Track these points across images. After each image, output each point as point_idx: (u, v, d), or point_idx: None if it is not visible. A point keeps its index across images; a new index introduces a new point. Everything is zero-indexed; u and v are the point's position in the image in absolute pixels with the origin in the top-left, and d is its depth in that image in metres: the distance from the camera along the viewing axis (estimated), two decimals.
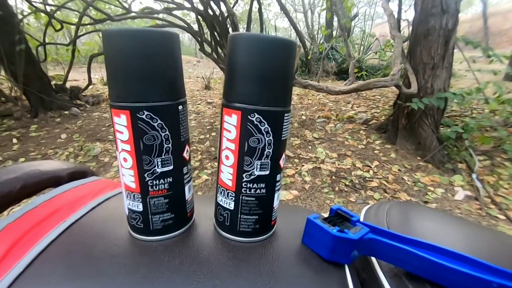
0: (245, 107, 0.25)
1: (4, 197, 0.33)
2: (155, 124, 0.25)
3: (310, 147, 2.13)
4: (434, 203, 1.51)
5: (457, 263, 0.24)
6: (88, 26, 3.33)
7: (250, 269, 0.25)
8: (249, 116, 0.25)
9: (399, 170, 1.82)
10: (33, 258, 0.26)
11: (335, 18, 4.45)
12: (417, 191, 1.62)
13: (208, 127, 2.55)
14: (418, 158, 1.95)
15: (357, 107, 3.13)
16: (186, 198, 0.30)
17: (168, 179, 0.28)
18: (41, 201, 0.35)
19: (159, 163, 0.27)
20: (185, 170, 0.29)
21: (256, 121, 0.25)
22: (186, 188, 0.30)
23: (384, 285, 0.26)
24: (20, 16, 2.82)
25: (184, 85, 0.28)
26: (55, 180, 0.39)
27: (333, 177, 1.74)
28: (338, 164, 1.89)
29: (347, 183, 1.67)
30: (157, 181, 0.27)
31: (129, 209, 0.29)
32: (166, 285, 0.24)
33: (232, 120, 0.26)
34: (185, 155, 0.29)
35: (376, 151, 2.04)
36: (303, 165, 1.86)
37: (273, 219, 0.31)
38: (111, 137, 2.35)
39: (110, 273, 0.25)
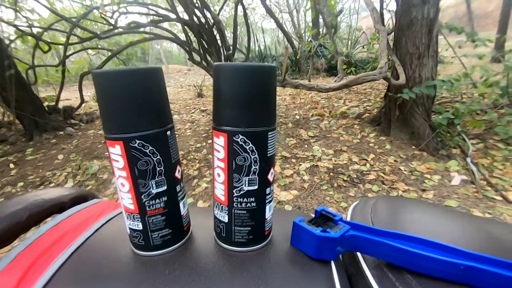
0: (229, 129, 0.28)
1: (13, 227, 0.35)
2: (147, 151, 0.28)
3: (306, 146, 2.16)
4: (431, 190, 1.54)
5: (428, 250, 0.27)
6: (76, 45, 3.34)
7: (244, 274, 0.28)
8: (234, 137, 0.28)
9: (395, 160, 1.85)
10: (44, 284, 0.28)
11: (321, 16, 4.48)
12: (414, 180, 1.65)
13: (204, 135, 2.57)
14: (413, 147, 1.98)
15: (349, 102, 3.17)
16: (182, 214, 0.33)
17: (163, 198, 0.30)
18: (47, 228, 0.37)
19: (154, 184, 0.29)
20: (178, 188, 0.32)
21: (241, 141, 0.28)
22: (181, 204, 0.33)
23: (368, 275, 0.28)
24: (7, 41, 2.83)
25: (171, 111, 0.31)
26: (58, 207, 0.41)
27: (331, 174, 1.76)
28: (335, 160, 1.91)
29: (345, 178, 1.70)
30: (154, 201, 0.30)
31: (130, 228, 0.31)
32: None
33: (220, 141, 0.29)
34: (177, 174, 0.32)
35: (371, 144, 2.07)
36: (300, 164, 1.88)
37: (266, 229, 0.33)
38: (108, 153, 2.36)
39: None
